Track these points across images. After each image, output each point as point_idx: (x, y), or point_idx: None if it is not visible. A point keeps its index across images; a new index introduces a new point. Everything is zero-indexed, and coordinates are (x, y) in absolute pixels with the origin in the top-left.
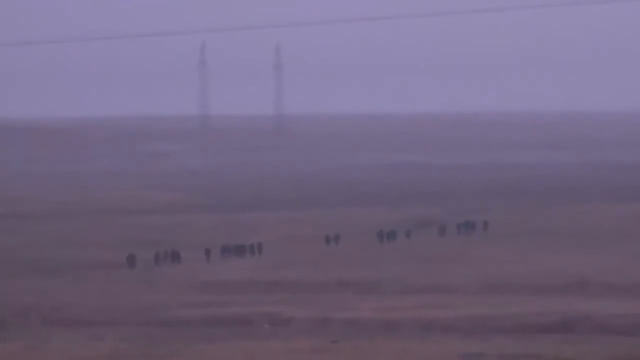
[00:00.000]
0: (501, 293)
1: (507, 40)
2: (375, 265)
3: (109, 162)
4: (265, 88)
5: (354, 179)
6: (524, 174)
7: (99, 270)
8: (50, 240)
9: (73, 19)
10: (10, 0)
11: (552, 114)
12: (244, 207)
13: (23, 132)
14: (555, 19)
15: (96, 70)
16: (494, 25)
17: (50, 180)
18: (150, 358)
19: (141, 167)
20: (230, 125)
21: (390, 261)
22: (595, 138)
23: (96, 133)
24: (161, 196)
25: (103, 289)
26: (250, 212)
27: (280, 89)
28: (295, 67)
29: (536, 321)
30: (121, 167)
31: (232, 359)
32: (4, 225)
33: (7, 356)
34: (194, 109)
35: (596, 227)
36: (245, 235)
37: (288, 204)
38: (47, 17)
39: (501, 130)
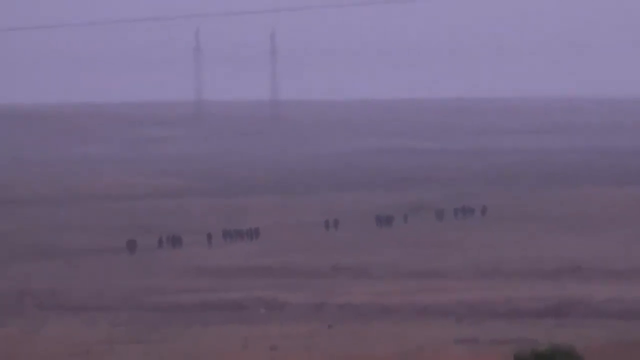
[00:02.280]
0: (496, 278)
1: (502, 24)
2: (372, 250)
3: (103, 148)
4: (260, 74)
5: (349, 164)
6: (520, 159)
7: (94, 255)
8: (44, 225)
9: (67, 4)
10: None
11: (547, 99)
12: (240, 192)
13: (16, 118)
14: (550, 1)
15: (91, 56)
16: (488, 9)
17: (44, 166)
18: (145, 343)
19: (136, 153)
20: (226, 111)
21: (387, 246)
22: (591, 123)
23: (91, 119)
24: (156, 182)
25: (98, 274)
26: (246, 197)
27: (276, 74)
28: (290, 52)
29: (531, 306)
30: (116, 153)
31: (228, 344)
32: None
33: (2, 341)
34: (189, 94)
35: (591, 212)
36: (241, 221)
37: (284, 189)
38: (40, 1)
39: (496, 115)
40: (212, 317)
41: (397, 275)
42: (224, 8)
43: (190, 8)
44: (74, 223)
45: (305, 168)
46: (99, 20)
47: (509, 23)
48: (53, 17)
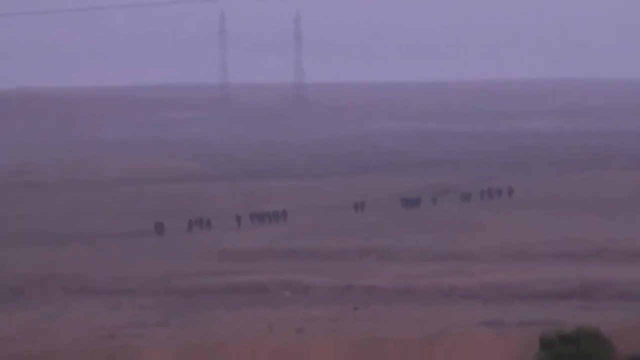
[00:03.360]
0: (522, 260)
1: (523, 6)
2: (398, 232)
3: (126, 131)
4: (284, 57)
5: (374, 147)
6: (543, 142)
7: (119, 238)
8: (66, 209)
9: None
10: None
11: (569, 81)
12: (264, 175)
13: (37, 102)
14: None
15: (114, 38)
16: None
17: (65, 150)
18: (169, 326)
19: (160, 136)
20: (250, 94)
21: (413, 228)
22: (614, 105)
23: (113, 102)
24: (180, 165)
25: (123, 258)
26: (270, 180)
27: (300, 57)
28: (315, 36)
29: (557, 288)
30: (139, 136)
31: (252, 327)
32: (21, 195)
33: (26, 324)
34: (214, 77)
35: (616, 194)
36: (266, 204)
37: (308, 172)
38: None
39: (517, 98)
40: (237, 300)
41: (423, 258)
42: None
43: None
44: (98, 207)
45: (329, 151)
46: (123, 4)
47: (526, 3)
48: (74, 0)
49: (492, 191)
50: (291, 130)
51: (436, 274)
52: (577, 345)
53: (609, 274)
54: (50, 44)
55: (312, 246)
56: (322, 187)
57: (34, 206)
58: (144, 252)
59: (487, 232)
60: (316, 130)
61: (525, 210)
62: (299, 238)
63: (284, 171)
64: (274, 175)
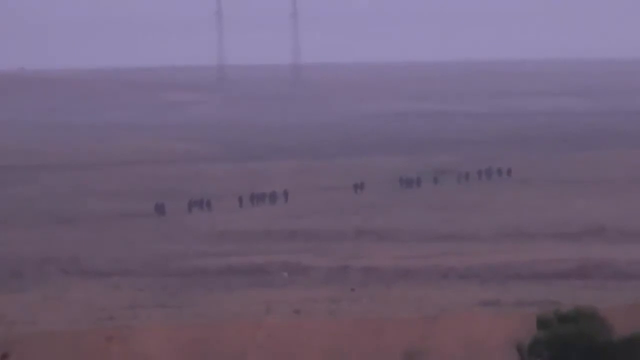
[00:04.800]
0: (520, 240)
1: None
2: (396, 213)
3: (125, 113)
4: (281, 37)
5: (371, 127)
6: (542, 122)
7: (118, 220)
8: (66, 191)
9: None
10: None
11: (566, 61)
12: (263, 156)
13: (38, 83)
14: None
15: (111, 20)
16: None
17: (66, 131)
18: (168, 307)
19: (157, 118)
20: (247, 75)
21: (411, 209)
22: (612, 85)
23: (111, 84)
24: (179, 146)
25: (123, 239)
26: (269, 161)
27: (297, 38)
28: (311, 15)
29: (555, 267)
30: (138, 118)
31: (250, 308)
32: (21, 176)
33: (25, 306)
34: (211, 59)
35: (614, 174)
36: (265, 185)
37: (306, 153)
38: None
39: (517, 78)
40: (235, 281)
41: (421, 238)
42: None
43: None
44: (97, 188)
45: (327, 131)
46: None
47: None
48: None
49: (491, 171)
50: (289, 112)
51: (434, 255)
52: (575, 324)
53: (608, 253)
54: (47, 26)
55: (311, 227)
56: (321, 168)
57: (35, 187)
58: (143, 234)
59: (485, 212)
60: (314, 110)
61: (523, 190)
62: (298, 219)
63: (283, 152)
64: (274, 157)
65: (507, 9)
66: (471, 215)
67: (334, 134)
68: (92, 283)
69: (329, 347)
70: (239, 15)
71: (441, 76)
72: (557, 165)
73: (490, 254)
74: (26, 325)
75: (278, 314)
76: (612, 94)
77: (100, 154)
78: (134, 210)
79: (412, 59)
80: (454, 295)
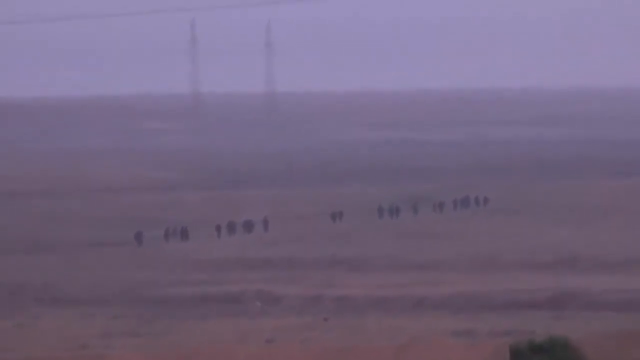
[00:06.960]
0: (493, 269)
1: (498, 17)
2: (370, 241)
3: (100, 140)
4: (256, 66)
5: (346, 155)
6: (518, 151)
7: (94, 248)
8: (41, 218)
9: None
10: None
11: (544, 91)
12: (239, 184)
13: (12, 110)
14: None
15: (87, 48)
16: (486, 3)
17: (40, 158)
18: (141, 336)
19: (133, 146)
20: (222, 103)
21: (386, 238)
22: (587, 114)
23: (87, 112)
24: (154, 174)
25: (97, 267)
26: (245, 189)
27: (272, 66)
28: (286, 44)
29: (528, 297)
30: (112, 145)
31: (223, 337)
32: None
33: None
34: (185, 87)
35: (589, 203)
36: (242, 213)
37: (282, 182)
38: None
39: (492, 107)
40: (209, 310)
41: (395, 268)
42: (221, 0)
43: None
44: (73, 216)
45: (303, 160)
46: (94, 14)
47: (505, 12)
48: (49, 11)
49: (468, 200)
50: (265, 140)
51: (407, 284)
52: (548, 355)
53: (581, 283)
54: (25, 54)
55: (286, 256)
56: (297, 197)
57: (10, 215)
58: (118, 262)
59: (460, 241)
60: (290, 139)
61: (499, 219)
62: (274, 247)
63: (260, 180)
64: (251, 185)
65: (484, 38)
66: (445, 245)
67: (309, 162)
68: (66, 311)
69: None
70: (213, 43)
71: (418, 105)
72: (532, 194)
73: (464, 284)
74: None
75: (251, 343)
76: (590, 122)
77: (75, 181)
78: (110, 238)
79: (387, 88)
80: (426, 324)
